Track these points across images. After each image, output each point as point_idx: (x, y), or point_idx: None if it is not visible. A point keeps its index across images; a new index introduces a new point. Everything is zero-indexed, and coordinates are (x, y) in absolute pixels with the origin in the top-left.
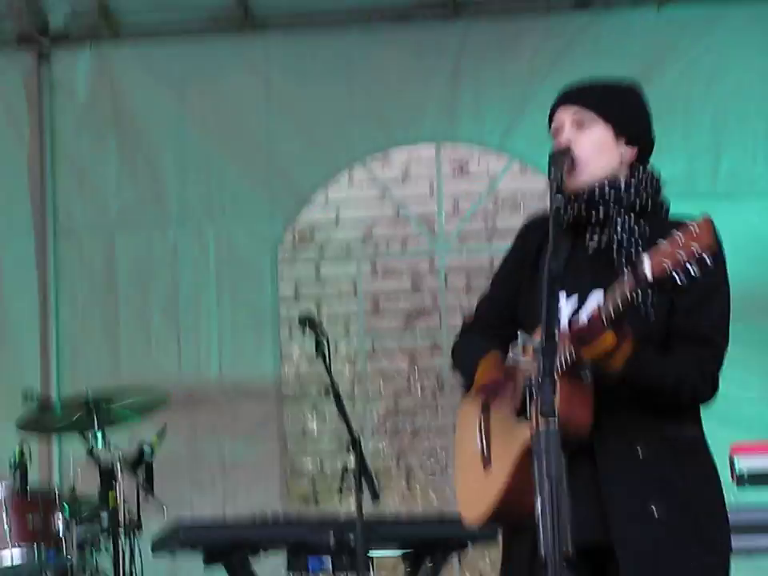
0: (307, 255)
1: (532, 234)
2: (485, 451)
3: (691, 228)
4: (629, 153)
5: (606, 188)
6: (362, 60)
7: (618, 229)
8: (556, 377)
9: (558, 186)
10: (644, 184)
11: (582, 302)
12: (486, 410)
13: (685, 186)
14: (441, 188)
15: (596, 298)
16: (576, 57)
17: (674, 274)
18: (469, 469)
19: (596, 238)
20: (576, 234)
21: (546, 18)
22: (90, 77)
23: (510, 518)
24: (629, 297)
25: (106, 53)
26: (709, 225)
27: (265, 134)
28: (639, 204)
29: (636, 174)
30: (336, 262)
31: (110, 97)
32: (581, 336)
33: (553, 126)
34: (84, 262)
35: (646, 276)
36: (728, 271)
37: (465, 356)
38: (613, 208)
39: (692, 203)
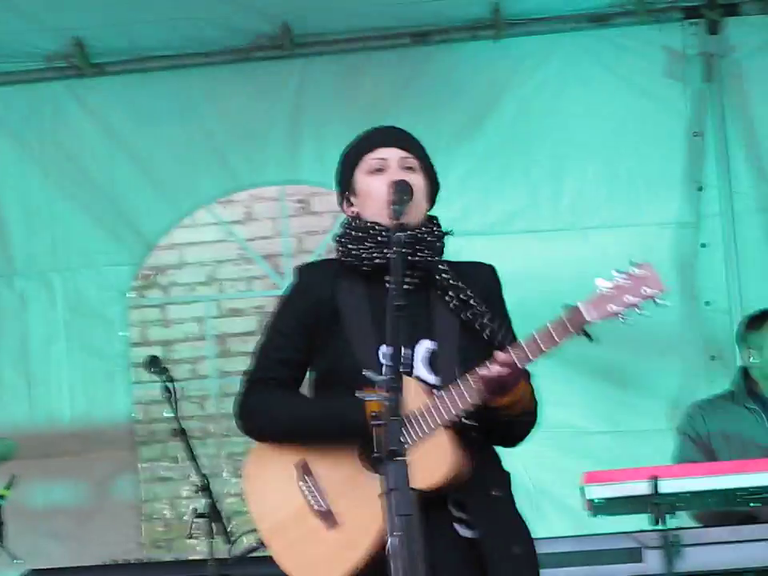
0: (154, 299)
1: (313, 280)
2: (326, 510)
3: (633, 271)
4: (427, 207)
5: (425, 234)
6: (203, 101)
7: (441, 273)
8: (445, 427)
9: (399, 221)
10: (441, 232)
11: (410, 351)
12: (306, 468)
13: (528, 220)
14: (285, 227)
15: (425, 347)
16: (416, 93)
17: (620, 316)
18: (292, 530)
19: (408, 282)
20: (370, 279)
21: (385, 54)
22: None
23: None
24: (558, 344)
25: None
26: (652, 267)
27: (108, 178)
28: (442, 250)
29: (433, 222)
30: (182, 305)
31: None
32: (500, 384)
33: (372, 163)
34: None
35: (586, 321)
36: (563, 302)
37: (298, 408)
38: (428, 252)
39: (535, 237)
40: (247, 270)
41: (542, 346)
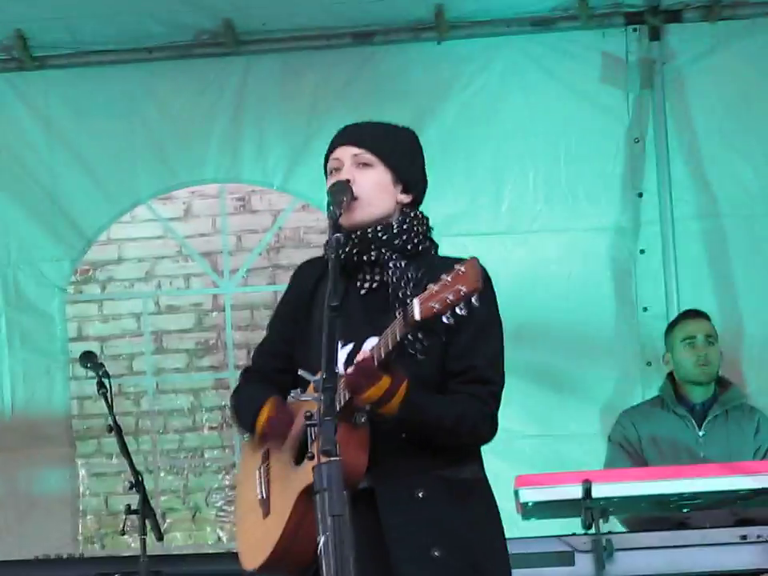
0: (91, 294)
1: (306, 275)
2: (264, 499)
3: (457, 270)
4: (404, 198)
5: (379, 232)
6: (144, 97)
7: (390, 272)
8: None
9: (335, 222)
10: (414, 227)
11: (357, 348)
12: (266, 458)
13: (468, 224)
14: (224, 225)
15: (371, 343)
16: (358, 93)
17: (441, 315)
18: (248, 517)
19: (368, 279)
20: (347, 277)
21: (327, 53)
22: None
23: (287, 566)
24: (399, 340)
25: None
26: (474, 265)
27: (47, 173)
28: (410, 247)
29: (407, 217)
30: (120, 301)
31: None
32: (355, 382)
33: (330, 164)
34: None
35: (414, 319)
36: (501, 306)
37: (243, 405)
38: (384, 251)
39: (475, 240)
40: (185, 267)
41: (387, 342)
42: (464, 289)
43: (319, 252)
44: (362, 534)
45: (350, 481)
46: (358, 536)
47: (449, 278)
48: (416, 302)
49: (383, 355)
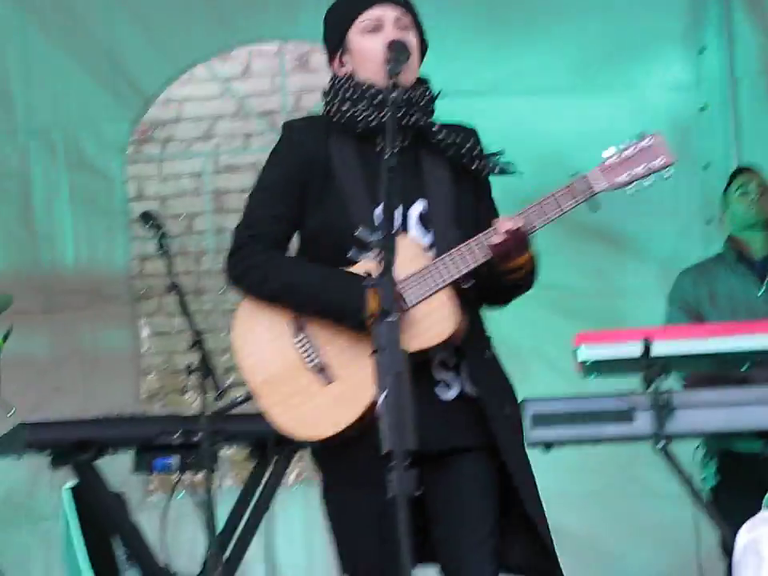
0: (151, 154)
1: (302, 137)
2: (320, 365)
3: (640, 143)
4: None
5: (420, 95)
6: None
7: (439, 135)
8: (444, 285)
9: (394, 81)
10: (432, 94)
11: (404, 211)
12: (300, 325)
13: (528, 81)
14: (283, 83)
15: (418, 208)
16: None
17: (627, 186)
18: (286, 384)
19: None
20: (361, 139)
21: None
22: None
23: (356, 432)
24: (564, 212)
25: None
26: (662, 139)
27: (107, 34)
28: (433, 112)
29: (426, 84)
30: (179, 161)
31: None
32: (508, 250)
33: (368, 23)
34: None
35: (596, 190)
36: (560, 162)
37: (294, 275)
38: (422, 116)
39: (536, 98)
40: (245, 126)
41: (548, 214)
42: (660, 162)
43: None
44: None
45: (456, 338)
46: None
47: (631, 152)
48: (596, 172)
49: (542, 225)
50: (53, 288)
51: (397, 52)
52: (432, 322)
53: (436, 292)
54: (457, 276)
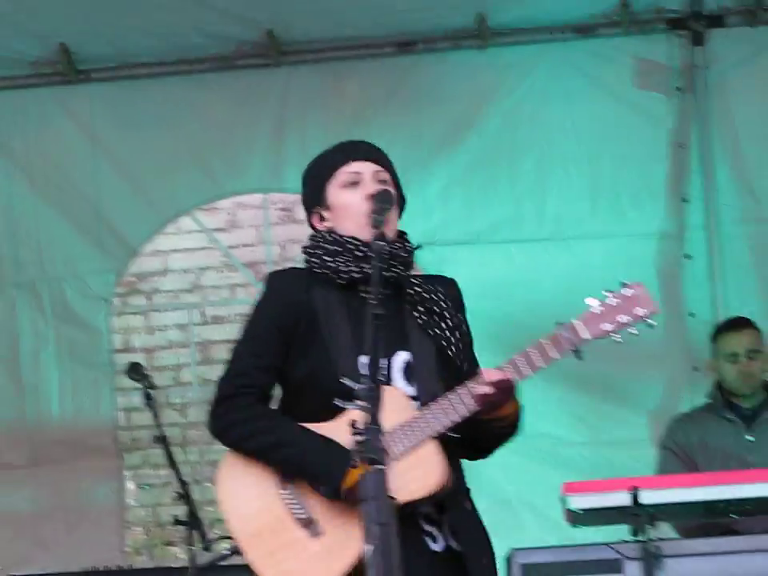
0: (137, 306)
1: (286, 287)
2: (308, 519)
3: (623, 292)
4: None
5: (399, 249)
6: (187, 109)
7: (414, 287)
8: (431, 437)
9: (380, 231)
10: (410, 247)
11: (387, 361)
12: (286, 476)
13: (512, 230)
14: (268, 235)
15: (402, 359)
16: (401, 101)
17: (611, 335)
18: (273, 538)
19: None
20: (345, 289)
21: (369, 63)
22: None
23: None
24: (552, 360)
25: None
26: (644, 288)
27: (92, 185)
28: (412, 265)
29: (404, 237)
30: (165, 312)
31: None
32: (495, 400)
33: (347, 177)
34: None
35: (583, 338)
36: (546, 310)
37: (282, 435)
38: (402, 269)
39: (519, 246)
40: (230, 278)
41: (535, 362)
42: (642, 311)
43: None
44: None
45: (444, 490)
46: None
47: (615, 301)
48: (578, 323)
49: (530, 373)
50: (38, 440)
51: (381, 201)
52: (419, 474)
53: (423, 443)
54: (446, 426)
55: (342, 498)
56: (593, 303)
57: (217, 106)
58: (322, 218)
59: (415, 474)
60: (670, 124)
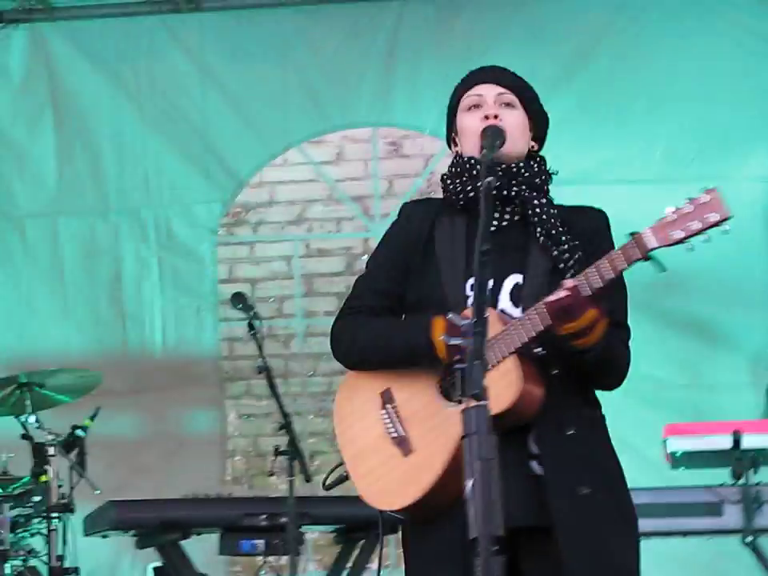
0: (242, 237)
1: (415, 216)
2: (402, 437)
3: (699, 198)
4: (534, 145)
5: (522, 168)
6: (298, 40)
7: (536, 208)
8: (513, 353)
9: (488, 164)
10: (544, 170)
11: (498, 284)
12: (389, 396)
13: (619, 171)
14: (376, 169)
15: (513, 280)
16: (511, 37)
17: (681, 243)
18: (372, 457)
19: (499, 216)
20: (470, 214)
21: None
22: (24, 57)
23: (433, 507)
24: (620, 271)
25: (41, 33)
26: (719, 194)
27: (200, 115)
28: (546, 188)
29: (541, 159)
30: (270, 244)
31: (45, 78)
32: (564, 309)
33: (470, 100)
34: (27, 245)
35: (648, 247)
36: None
37: (382, 333)
38: (524, 189)
39: (626, 188)
40: (336, 211)
41: (604, 272)
42: (714, 217)
43: None
44: (509, 471)
45: (529, 413)
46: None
47: (689, 208)
48: (649, 231)
49: (600, 284)
50: (140, 368)
51: (490, 137)
52: (497, 390)
53: (502, 359)
54: (523, 341)
55: (434, 350)
56: (668, 211)
57: (328, 38)
58: (456, 143)
59: (492, 390)
60: None
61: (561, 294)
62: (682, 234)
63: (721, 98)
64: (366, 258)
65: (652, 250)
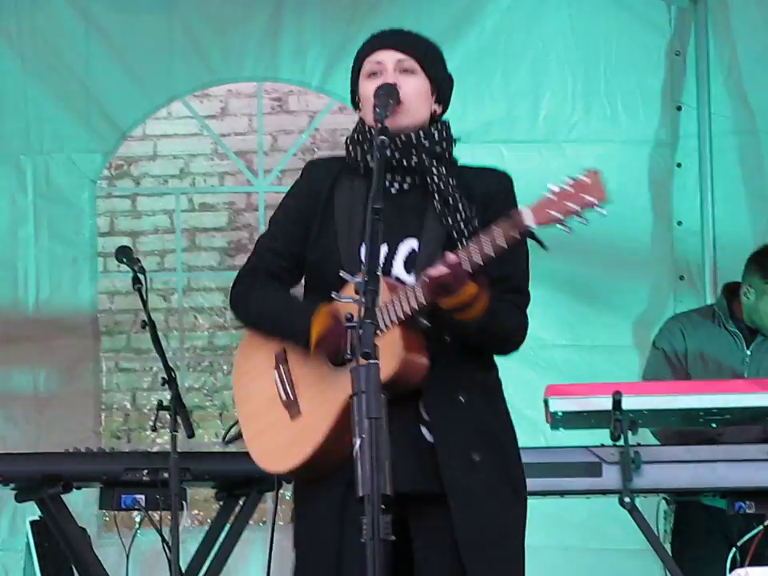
0: (124, 189)
1: (317, 175)
2: (291, 400)
3: (578, 179)
4: (437, 108)
5: (422, 137)
6: None
7: (435, 177)
8: (396, 323)
9: (381, 124)
10: (447, 136)
11: (392, 249)
12: (283, 358)
13: (504, 131)
14: (260, 124)
15: (408, 245)
16: None
17: (557, 223)
18: (262, 418)
19: (399, 181)
20: (370, 180)
21: None
22: None
23: (320, 469)
24: (501, 247)
25: None
26: (599, 176)
27: (83, 65)
28: (447, 155)
29: (443, 125)
30: (153, 197)
31: None
32: (443, 285)
33: (370, 67)
34: None
35: (526, 225)
36: None
37: (272, 306)
38: (425, 157)
39: (511, 148)
40: (220, 165)
41: (485, 250)
42: (591, 198)
43: None
44: (399, 437)
45: (413, 381)
46: (394, 439)
47: (569, 188)
48: (526, 209)
49: (480, 261)
50: (12, 318)
51: (383, 96)
52: (381, 361)
53: (388, 328)
54: (405, 313)
55: (315, 347)
56: (549, 189)
57: None
58: (359, 108)
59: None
60: (668, 32)
61: (442, 269)
62: (558, 215)
63: (606, 61)
64: (248, 213)
65: (530, 228)
